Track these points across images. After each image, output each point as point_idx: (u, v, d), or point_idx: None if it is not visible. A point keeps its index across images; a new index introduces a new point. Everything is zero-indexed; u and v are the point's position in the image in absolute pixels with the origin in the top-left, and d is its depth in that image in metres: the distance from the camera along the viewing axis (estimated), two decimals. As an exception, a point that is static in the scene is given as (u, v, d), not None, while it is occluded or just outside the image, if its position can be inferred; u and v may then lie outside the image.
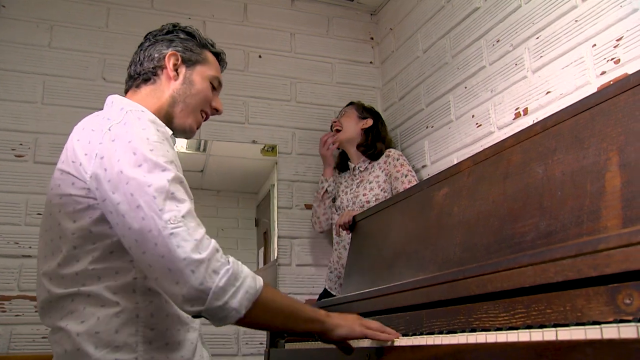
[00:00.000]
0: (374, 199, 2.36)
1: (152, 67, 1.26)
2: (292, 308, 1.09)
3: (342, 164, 2.67)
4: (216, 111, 1.35)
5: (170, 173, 1.02)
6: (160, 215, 0.96)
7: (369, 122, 2.58)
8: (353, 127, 2.57)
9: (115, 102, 1.19)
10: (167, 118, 1.25)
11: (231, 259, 1.01)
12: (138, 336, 1.04)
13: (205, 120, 1.35)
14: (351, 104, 2.69)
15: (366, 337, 1.13)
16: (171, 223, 0.96)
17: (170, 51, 1.27)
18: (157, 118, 1.14)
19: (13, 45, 2.56)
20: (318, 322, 1.11)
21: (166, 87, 1.26)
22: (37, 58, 2.58)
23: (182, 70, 1.27)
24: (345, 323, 1.13)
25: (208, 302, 0.95)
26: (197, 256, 0.95)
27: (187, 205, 1.01)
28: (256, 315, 1.01)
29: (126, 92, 1.29)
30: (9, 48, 2.55)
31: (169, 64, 1.26)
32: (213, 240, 1.00)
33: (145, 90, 1.26)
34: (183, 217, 0.98)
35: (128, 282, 1.06)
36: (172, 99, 1.26)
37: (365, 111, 2.63)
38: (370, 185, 2.40)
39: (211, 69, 1.32)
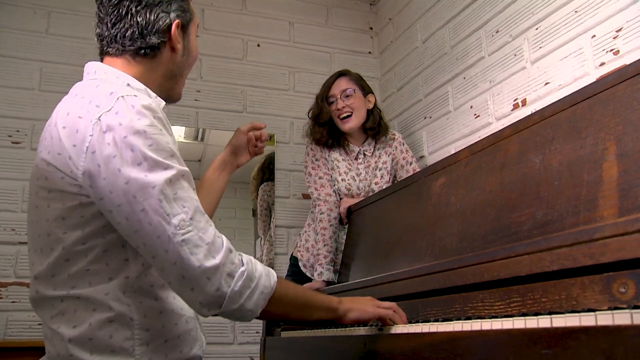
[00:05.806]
0: (385, 187, 2.24)
1: (158, 43, 1.12)
2: (305, 299, 1.11)
3: (333, 138, 2.29)
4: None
5: (173, 170, 0.95)
6: (168, 220, 0.92)
7: (372, 98, 2.32)
8: (363, 111, 2.28)
9: (100, 73, 1.09)
10: (165, 92, 1.17)
11: (245, 258, 1.00)
12: (134, 339, 1.01)
13: None
14: (344, 75, 2.31)
15: (379, 318, 1.14)
16: (181, 228, 0.92)
17: (175, 20, 1.13)
18: (152, 101, 1.03)
19: (10, 31, 2.55)
20: (331, 310, 1.12)
21: (166, 60, 1.15)
22: (35, 44, 2.57)
23: (181, 40, 1.16)
24: (357, 306, 1.14)
25: (224, 306, 0.95)
26: (211, 263, 0.93)
27: (193, 203, 0.96)
28: (271, 310, 1.02)
29: (106, 53, 1.13)
30: (6, 34, 2.54)
31: (175, 36, 1.14)
32: (224, 239, 0.98)
33: (145, 65, 1.13)
34: (191, 218, 0.94)
35: (119, 283, 1.01)
36: (171, 73, 1.17)
37: (364, 85, 2.32)
38: (380, 173, 2.29)
39: (195, 22, 1.20)
